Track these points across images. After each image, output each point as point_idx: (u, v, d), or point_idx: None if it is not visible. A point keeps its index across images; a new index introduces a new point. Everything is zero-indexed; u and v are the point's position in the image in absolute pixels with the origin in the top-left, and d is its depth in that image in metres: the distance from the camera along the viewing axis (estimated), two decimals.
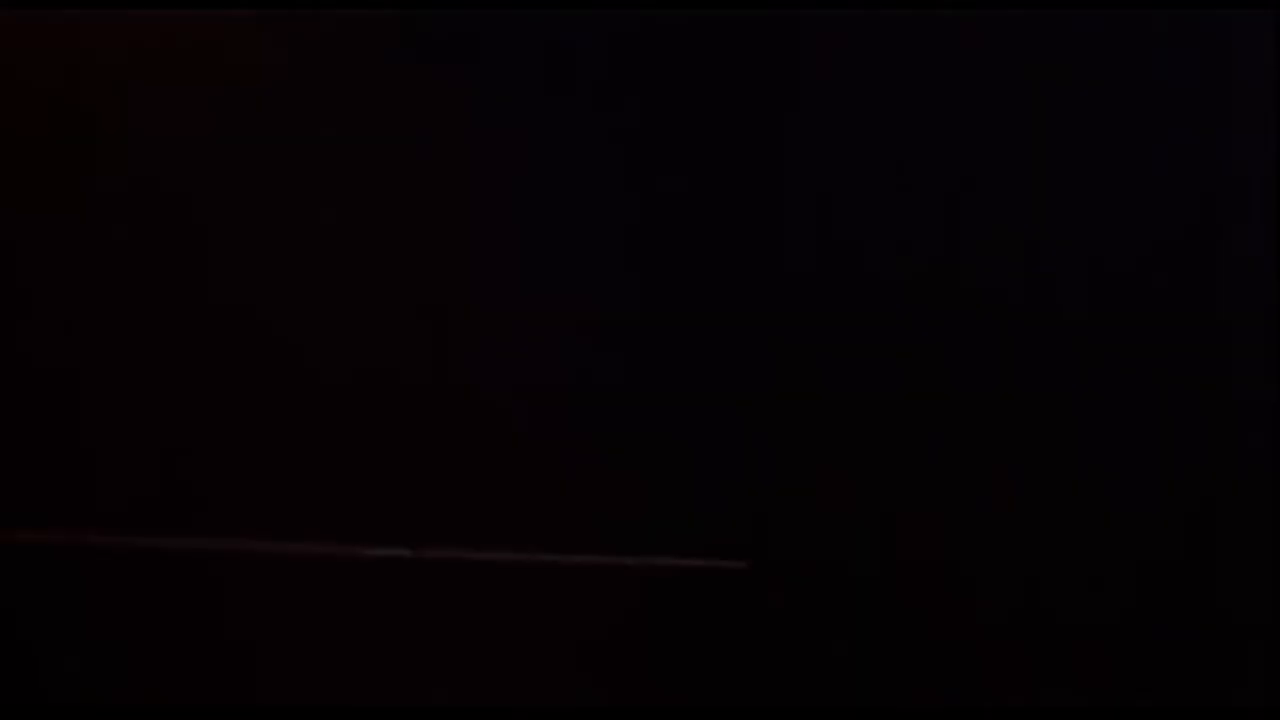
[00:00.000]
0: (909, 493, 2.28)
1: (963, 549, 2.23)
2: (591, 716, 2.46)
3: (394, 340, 3.08)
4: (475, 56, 3.65)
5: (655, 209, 3.36)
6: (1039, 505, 2.08)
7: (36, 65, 3.60)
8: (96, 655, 2.54)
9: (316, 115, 3.53)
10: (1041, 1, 1.78)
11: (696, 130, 3.55)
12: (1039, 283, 1.98)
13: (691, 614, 2.63)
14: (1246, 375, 1.83)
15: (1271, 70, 1.67)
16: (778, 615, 2.58)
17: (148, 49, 3.62)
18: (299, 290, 3.17)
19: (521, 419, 2.94)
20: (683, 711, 2.47)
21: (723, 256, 3.27)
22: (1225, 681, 1.98)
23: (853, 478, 2.40)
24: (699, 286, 3.20)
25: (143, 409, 2.97)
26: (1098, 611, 2.07)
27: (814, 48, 2.14)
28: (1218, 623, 1.97)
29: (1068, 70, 1.81)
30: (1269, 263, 1.75)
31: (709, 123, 3.57)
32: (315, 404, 2.98)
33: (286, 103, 3.56)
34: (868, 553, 2.41)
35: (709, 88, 3.63)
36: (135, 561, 2.68)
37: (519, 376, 3.01)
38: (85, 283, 3.17)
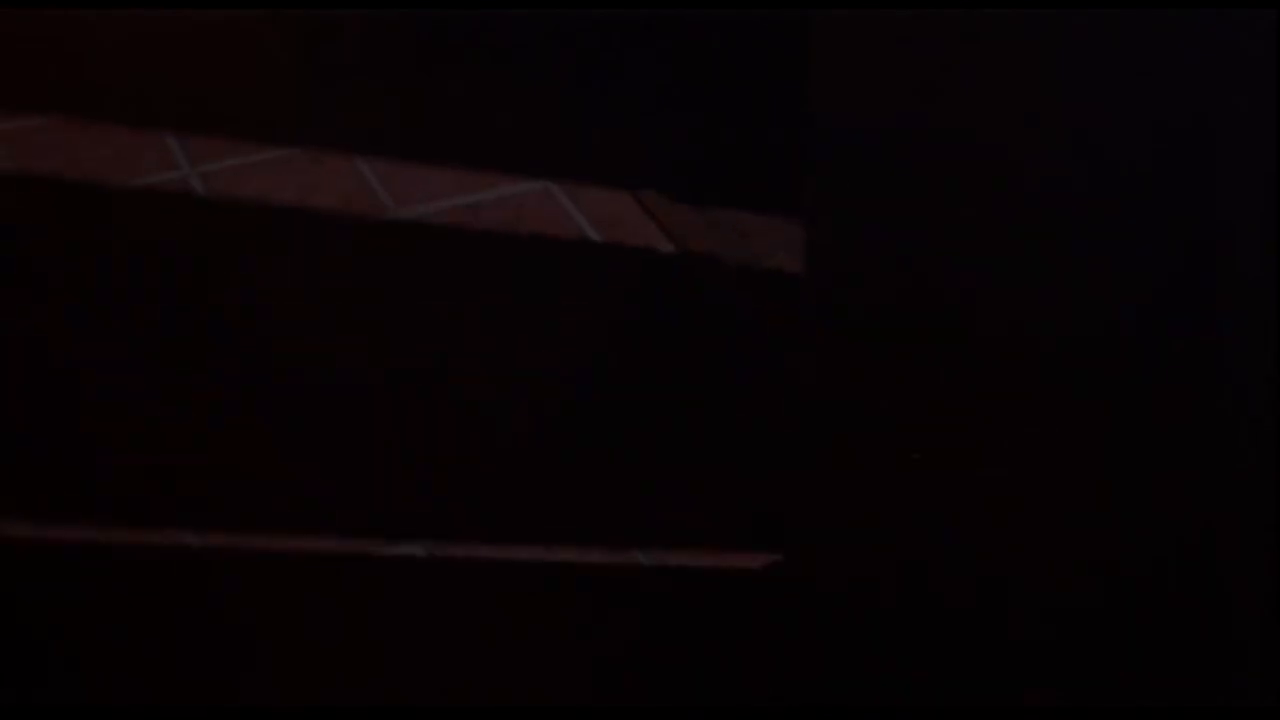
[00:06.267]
0: (909, 492, 2.29)
1: (963, 548, 2.24)
2: (597, 716, 2.47)
3: (394, 340, 3.09)
4: (480, 56, 3.65)
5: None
6: (1039, 504, 2.09)
7: (38, 58, 3.61)
8: (94, 655, 2.56)
9: (317, 114, 3.54)
10: (1040, 1, 1.79)
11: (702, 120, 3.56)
12: (1038, 281, 1.99)
13: (698, 613, 2.64)
14: (1247, 375, 1.83)
15: (1272, 70, 1.68)
16: (782, 615, 2.59)
17: (147, 45, 3.64)
18: (299, 289, 3.18)
19: (522, 420, 2.95)
20: (686, 712, 2.48)
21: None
22: (1225, 681, 1.99)
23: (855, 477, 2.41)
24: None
25: (142, 406, 2.98)
26: (1097, 611, 2.08)
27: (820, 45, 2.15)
28: (1218, 622, 1.98)
29: (1066, 70, 1.82)
30: (1269, 261, 1.76)
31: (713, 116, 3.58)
32: (315, 403, 2.99)
33: (286, 102, 3.57)
34: (868, 553, 2.42)
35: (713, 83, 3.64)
36: (135, 559, 2.69)
37: (520, 376, 3.02)
38: (83, 280, 3.18)
